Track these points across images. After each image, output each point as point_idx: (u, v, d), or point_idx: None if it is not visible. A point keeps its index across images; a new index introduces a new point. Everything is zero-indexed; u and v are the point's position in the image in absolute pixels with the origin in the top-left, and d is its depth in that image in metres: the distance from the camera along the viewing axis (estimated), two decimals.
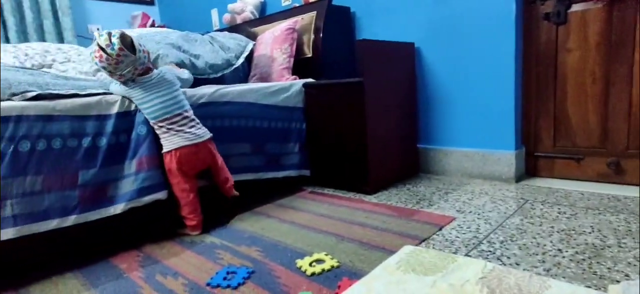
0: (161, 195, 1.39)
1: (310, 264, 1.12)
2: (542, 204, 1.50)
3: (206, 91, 1.65)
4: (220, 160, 1.54)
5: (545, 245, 1.16)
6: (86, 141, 1.27)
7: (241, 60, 2.16)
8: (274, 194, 1.87)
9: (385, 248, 1.21)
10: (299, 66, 2.20)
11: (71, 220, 1.23)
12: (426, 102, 2.08)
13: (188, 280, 1.11)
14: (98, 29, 3.39)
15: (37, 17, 3.05)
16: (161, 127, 1.37)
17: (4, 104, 1.16)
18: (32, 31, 3.01)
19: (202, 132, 1.44)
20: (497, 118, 1.84)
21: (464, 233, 1.29)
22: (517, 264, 1.06)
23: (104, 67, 1.29)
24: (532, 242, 1.18)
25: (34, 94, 1.22)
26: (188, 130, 1.39)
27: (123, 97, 1.37)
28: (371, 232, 1.34)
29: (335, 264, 1.12)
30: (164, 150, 1.38)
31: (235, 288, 1.04)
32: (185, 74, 1.66)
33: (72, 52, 2.04)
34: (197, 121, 1.46)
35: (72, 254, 1.31)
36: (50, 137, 1.21)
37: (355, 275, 1.05)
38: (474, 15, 1.82)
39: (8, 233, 1.12)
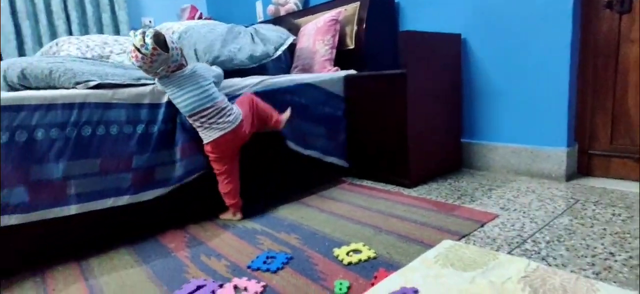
0: (201, 172, 1.49)
1: (348, 254, 1.14)
2: (594, 205, 1.42)
3: (250, 81, 1.70)
4: (257, 120, 1.55)
5: (595, 248, 1.10)
6: (140, 128, 1.36)
7: (279, 52, 2.18)
8: (314, 185, 1.90)
9: (423, 241, 1.20)
10: (341, 58, 2.20)
11: (124, 200, 1.33)
12: (471, 95, 2.01)
13: (230, 262, 1.16)
14: (150, 21, 3.57)
15: (96, 11, 3.27)
16: (195, 121, 1.42)
17: (70, 91, 1.26)
18: (92, 24, 3.23)
19: (234, 118, 1.44)
20: (549, 113, 1.74)
21: (507, 231, 1.25)
22: (564, 266, 1.01)
23: (140, 66, 1.34)
24: (581, 244, 1.13)
25: (95, 83, 1.31)
26: (220, 121, 1.42)
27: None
28: (410, 225, 1.33)
29: (372, 255, 1.13)
30: (204, 142, 1.44)
31: (275, 272, 1.08)
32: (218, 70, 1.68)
33: (127, 44, 2.18)
34: (229, 106, 1.46)
35: (125, 233, 1.41)
36: (109, 124, 1.30)
37: (392, 267, 1.05)
38: (527, 3, 1.73)
39: (71, 209, 1.23)
